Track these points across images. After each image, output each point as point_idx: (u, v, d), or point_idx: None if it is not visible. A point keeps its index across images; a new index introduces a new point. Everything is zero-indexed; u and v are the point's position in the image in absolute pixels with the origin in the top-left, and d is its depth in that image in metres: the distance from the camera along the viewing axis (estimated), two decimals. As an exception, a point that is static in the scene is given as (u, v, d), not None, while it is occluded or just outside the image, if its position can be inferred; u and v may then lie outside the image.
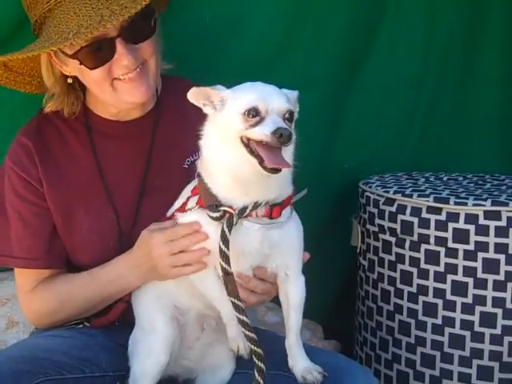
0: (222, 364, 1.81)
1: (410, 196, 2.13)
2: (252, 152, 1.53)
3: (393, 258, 2.17)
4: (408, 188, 2.21)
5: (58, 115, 1.92)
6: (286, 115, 1.56)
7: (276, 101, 1.56)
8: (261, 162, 1.52)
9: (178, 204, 1.72)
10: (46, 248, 1.86)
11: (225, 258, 1.57)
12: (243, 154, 1.54)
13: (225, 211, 1.59)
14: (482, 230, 2.02)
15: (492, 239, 2.01)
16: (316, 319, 2.61)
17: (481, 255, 2.02)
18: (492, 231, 2.01)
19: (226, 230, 1.57)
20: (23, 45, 1.78)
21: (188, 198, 1.69)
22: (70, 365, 1.75)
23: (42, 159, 1.86)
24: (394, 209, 2.16)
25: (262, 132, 1.51)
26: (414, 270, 2.12)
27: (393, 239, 2.17)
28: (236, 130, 1.54)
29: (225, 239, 1.57)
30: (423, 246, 2.10)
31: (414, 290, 2.12)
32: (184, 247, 1.66)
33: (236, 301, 1.59)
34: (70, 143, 1.90)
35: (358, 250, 2.35)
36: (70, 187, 1.87)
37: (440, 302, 2.08)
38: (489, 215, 2.02)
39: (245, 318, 1.59)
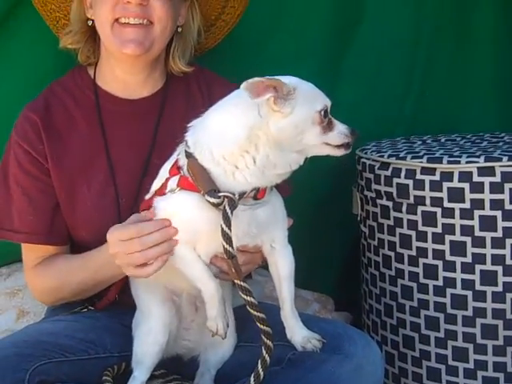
0: (221, 340, 1.82)
1: (404, 158, 2.10)
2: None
3: (391, 222, 2.15)
4: (403, 151, 2.18)
5: (66, 89, 1.95)
6: None
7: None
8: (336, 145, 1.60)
9: (155, 186, 1.69)
10: (47, 223, 1.88)
11: (228, 240, 1.55)
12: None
13: (224, 196, 1.56)
14: (477, 188, 1.98)
15: (487, 196, 1.97)
16: (326, 292, 2.61)
17: (477, 213, 1.99)
18: (487, 188, 1.97)
19: (228, 212, 1.54)
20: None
21: (167, 180, 1.65)
22: (74, 347, 1.77)
23: (49, 135, 1.88)
24: (389, 173, 2.13)
25: (344, 134, 1.60)
26: (413, 233, 2.09)
27: (390, 203, 2.15)
28: (315, 133, 1.57)
29: (227, 222, 1.54)
30: (420, 208, 2.07)
31: (413, 253, 2.10)
32: (143, 246, 1.59)
33: (242, 283, 1.58)
34: (76, 119, 1.93)
35: (359, 218, 2.33)
36: (75, 163, 1.89)
37: (440, 263, 2.05)
38: (482, 172, 1.98)
39: (252, 299, 1.58)
